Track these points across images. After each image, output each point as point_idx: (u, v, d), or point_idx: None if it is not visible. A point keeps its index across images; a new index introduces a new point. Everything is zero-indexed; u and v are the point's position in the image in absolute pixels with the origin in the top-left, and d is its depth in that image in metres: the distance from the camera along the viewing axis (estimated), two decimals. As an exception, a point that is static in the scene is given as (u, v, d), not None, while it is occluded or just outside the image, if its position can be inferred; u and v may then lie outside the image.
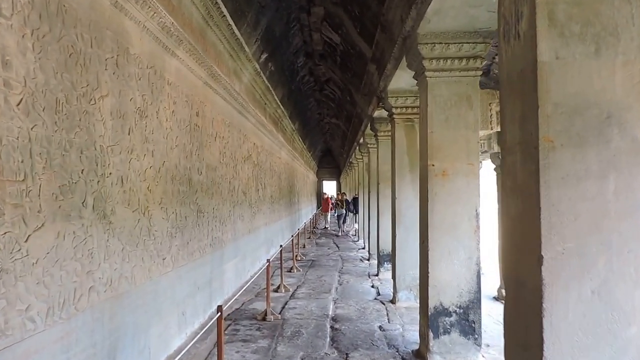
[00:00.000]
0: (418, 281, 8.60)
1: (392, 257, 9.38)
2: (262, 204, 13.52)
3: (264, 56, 12.05)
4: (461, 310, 5.88)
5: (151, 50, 5.88)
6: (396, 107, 8.75)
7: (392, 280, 9.66)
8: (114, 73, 4.94)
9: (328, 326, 7.50)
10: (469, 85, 5.91)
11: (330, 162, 45.84)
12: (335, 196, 26.98)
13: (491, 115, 6.37)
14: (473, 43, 5.70)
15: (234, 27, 8.91)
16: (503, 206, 3.28)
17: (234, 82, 9.85)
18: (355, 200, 24.51)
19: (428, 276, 5.91)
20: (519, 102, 2.92)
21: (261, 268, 8.13)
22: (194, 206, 7.37)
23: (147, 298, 5.62)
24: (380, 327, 7.45)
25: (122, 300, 5.01)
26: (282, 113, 16.23)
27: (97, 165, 4.56)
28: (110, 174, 4.80)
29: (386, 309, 8.52)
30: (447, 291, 5.89)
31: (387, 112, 9.27)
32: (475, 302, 5.89)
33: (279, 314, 8.17)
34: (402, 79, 8.03)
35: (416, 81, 6.49)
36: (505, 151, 3.14)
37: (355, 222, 25.80)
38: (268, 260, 8.15)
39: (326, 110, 24.19)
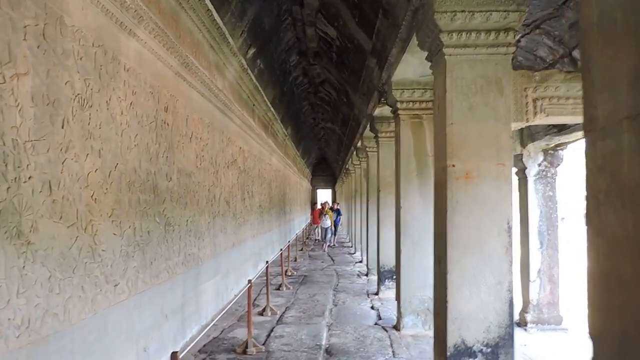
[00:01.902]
0: (427, 305, 7.46)
1: (396, 276, 8.15)
2: (249, 215, 12.27)
3: (251, 51, 10.86)
4: (489, 350, 4.65)
5: (99, 24, 4.68)
6: (401, 102, 7.55)
7: (395, 301, 8.45)
8: (38, 46, 3.75)
9: (321, 362, 6.29)
10: (498, 65, 4.71)
11: (325, 170, 44.63)
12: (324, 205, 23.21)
13: (527, 103, 5.14)
14: (504, 12, 4.50)
15: (215, 14, 7.73)
16: (592, 220, 2.08)
17: (216, 78, 8.66)
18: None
19: (447, 306, 4.69)
20: (631, 53, 1.72)
21: (242, 289, 6.87)
22: (160, 218, 6.15)
23: (90, 337, 4.37)
24: (384, 363, 6.24)
25: (48, 345, 3.77)
26: (272, 116, 15.04)
27: (6, 166, 3.35)
28: (29, 177, 3.59)
29: (390, 338, 7.27)
30: (471, 325, 4.67)
31: (391, 108, 8.07)
32: (507, 339, 4.67)
33: (263, 344, 6.92)
34: (409, 67, 6.85)
35: (430, 63, 5.31)
36: (596, 134, 1.94)
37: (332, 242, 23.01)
38: (249, 281, 6.90)
39: (321, 115, 22.97)
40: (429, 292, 7.50)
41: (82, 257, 4.25)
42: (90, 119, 4.45)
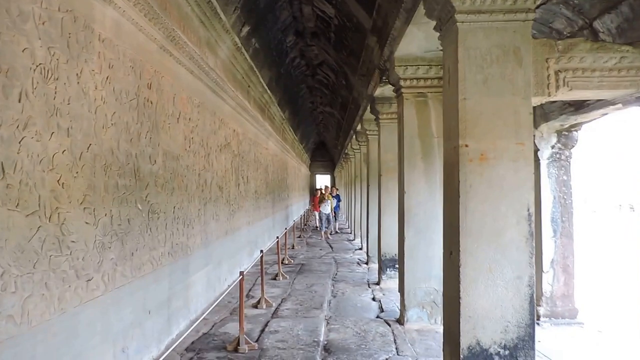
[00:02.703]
0: (432, 297, 6.98)
1: (399, 266, 7.62)
2: (244, 201, 11.73)
3: (245, 29, 10.27)
4: (507, 352, 4.14)
5: (66, -14, 4.12)
6: (405, 79, 6.99)
7: (398, 293, 7.95)
8: (-15, 4, 3.20)
9: (319, 360, 5.79)
10: (517, 33, 4.15)
11: (324, 155, 44.09)
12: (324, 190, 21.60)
13: (549, 75, 4.58)
14: (525, -29, 3.96)
15: (205, -14, 7.17)
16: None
17: (207, 55, 8.10)
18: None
19: (459, 303, 4.17)
20: None
21: (235, 280, 6.36)
22: (143, 205, 5.62)
23: (56, 341, 3.86)
24: (387, 362, 5.74)
25: (2, 352, 3.26)
26: (269, 99, 14.48)
27: (-57, 143, 2.82)
28: (-26, 158, 3.06)
29: (393, 333, 6.76)
30: (487, 325, 4.16)
31: (393, 87, 7.52)
32: (526, 341, 4.15)
33: (256, 341, 6.42)
34: (413, 41, 6.29)
35: (438, 34, 4.77)
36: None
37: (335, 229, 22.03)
38: (241, 274, 6.38)
39: (319, 99, 22.36)
40: (434, 284, 7.02)
41: (45, 249, 3.73)
42: (56, 93, 3.90)
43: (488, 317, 4.15)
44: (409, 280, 7.07)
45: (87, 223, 4.37)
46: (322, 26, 12.97)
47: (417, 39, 6.25)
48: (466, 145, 4.17)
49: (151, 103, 5.92)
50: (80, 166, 4.26)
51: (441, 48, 6.46)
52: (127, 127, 5.24)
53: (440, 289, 6.95)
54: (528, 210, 4.16)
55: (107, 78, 4.79)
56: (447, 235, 4.57)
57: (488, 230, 4.15)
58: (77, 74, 4.23)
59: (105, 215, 4.71)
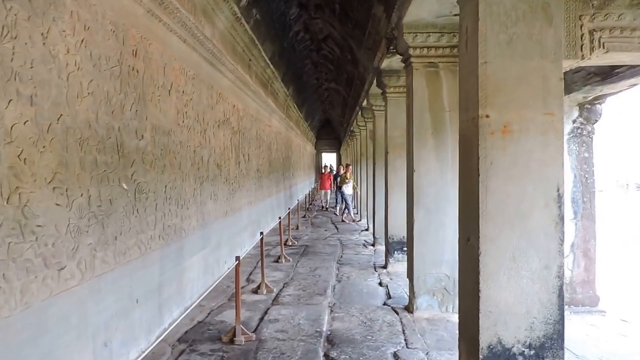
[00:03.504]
0: (443, 284, 6.49)
1: (407, 250, 7.10)
2: (245, 180, 11.21)
3: (245, -2, 9.68)
4: (532, 352, 3.64)
5: None
6: (414, 48, 6.42)
7: (405, 277, 7.47)
8: None
9: (321, 354, 5.30)
10: (547, -14, 3.61)
11: (330, 133, 43.44)
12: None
13: (582, 35, 3.99)
14: None
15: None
16: None
17: (203, 24, 7.53)
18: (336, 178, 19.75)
19: (478, 296, 3.66)
20: None
21: (234, 264, 5.87)
22: (129, 184, 5.12)
23: (18, 340, 3.38)
24: (395, 356, 5.25)
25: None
26: (272, 74, 13.89)
27: None
28: None
29: (401, 322, 6.27)
30: (510, 321, 3.65)
31: (402, 57, 6.95)
32: (555, 339, 3.65)
33: (255, 330, 5.96)
34: (424, 4, 5.72)
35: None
36: None
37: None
38: (237, 259, 5.89)
39: (324, 75, 21.68)
40: (445, 269, 6.52)
41: (2, 235, 3.23)
42: (13, 54, 3.38)
43: (511, 312, 3.64)
44: (418, 266, 6.57)
45: (57, 205, 3.87)
46: (326, -3, 12.36)
47: (428, 2, 5.69)
48: (487, 116, 3.62)
49: (137, 72, 5.39)
50: (49, 140, 3.75)
51: (454, 12, 5.98)
52: (108, 97, 4.72)
53: (452, 275, 6.49)
54: (558, 190, 3.63)
55: (82, 41, 4.26)
56: (463, 219, 4.05)
57: (512, 213, 3.62)
58: (42, 34, 3.70)
59: (82, 195, 4.21)
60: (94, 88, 4.45)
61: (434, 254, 6.51)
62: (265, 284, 7.78)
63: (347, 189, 18.40)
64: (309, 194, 26.09)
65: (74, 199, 4.10)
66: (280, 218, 10.69)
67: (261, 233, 7.92)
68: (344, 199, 18.59)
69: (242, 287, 7.66)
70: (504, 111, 3.61)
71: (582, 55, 3.98)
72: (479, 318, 3.65)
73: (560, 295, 3.66)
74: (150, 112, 5.71)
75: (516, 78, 3.61)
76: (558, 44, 3.64)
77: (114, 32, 4.87)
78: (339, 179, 19.82)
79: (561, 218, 3.64)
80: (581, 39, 3.99)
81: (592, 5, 3.97)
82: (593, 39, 3.99)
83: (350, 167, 19.27)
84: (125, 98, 5.07)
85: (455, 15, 6.01)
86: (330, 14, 13.36)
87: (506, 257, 3.63)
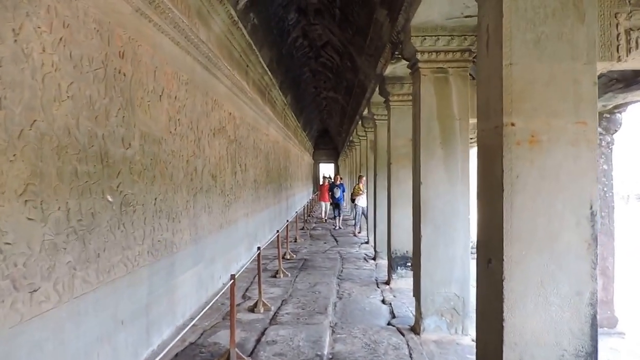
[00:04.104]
0: (452, 304, 6.08)
1: (414, 268, 6.68)
2: (242, 191, 10.78)
3: (242, 1, 9.29)
4: (563, 389, 3.25)
5: None
6: (422, 52, 6.05)
7: (410, 294, 7.06)
8: None
9: (323, 381, 4.89)
10: (579, -19, 3.22)
11: (328, 143, 43.11)
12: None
13: (618, 35, 3.61)
14: None
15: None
16: None
17: (197, 27, 7.16)
18: (336, 189, 19.54)
19: (502, 325, 3.25)
20: None
21: (229, 281, 5.45)
22: (114, 196, 4.71)
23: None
24: (403, 385, 4.84)
25: None
26: (270, 81, 13.52)
27: None
28: None
29: (408, 345, 5.84)
30: (537, 353, 3.24)
31: (408, 62, 6.56)
32: (588, 375, 3.26)
33: (250, 354, 5.53)
34: (434, 5, 5.36)
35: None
36: None
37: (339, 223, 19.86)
38: (233, 277, 5.46)
39: (323, 83, 21.32)
40: (455, 289, 6.11)
41: (-40, 256, 2.83)
42: (-22, 51, 2.99)
43: (538, 343, 3.24)
44: (426, 284, 6.15)
45: (30, 219, 3.46)
46: (326, 1, 12.00)
47: (438, 3, 5.32)
48: (512, 124, 3.23)
49: (124, 75, 4.99)
50: (20, 147, 3.35)
51: (466, 14, 5.60)
52: (91, 101, 4.32)
53: (462, 294, 6.09)
54: (591, 207, 3.24)
55: (60, 39, 3.86)
56: (483, 238, 3.64)
57: (540, 233, 3.22)
58: (13, 30, 3.31)
59: (59, 209, 3.81)
60: (74, 91, 4.05)
61: (443, 272, 6.10)
62: (263, 302, 7.35)
63: (360, 202, 17.65)
64: (307, 205, 25.62)
65: (50, 213, 3.69)
66: (278, 231, 10.25)
67: (258, 248, 7.50)
68: (356, 212, 18.01)
69: (238, 305, 7.22)
70: (531, 119, 3.22)
71: (618, 57, 3.60)
72: (502, 351, 3.24)
73: (594, 325, 3.28)
74: (138, 119, 5.32)
75: (545, 82, 3.22)
76: (591, 44, 3.25)
77: (97, 31, 4.48)
78: (335, 189, 19.56)
79: (594, 239, 3.26)
80: (617, 38, 3.61)
81: (629, 2, 3.58)
82: (630, 39, 3.61)
83: (364, 178, 17.95)
84: (110, 103, 4.67)
85: (467, 17, 5.66)
86: (330, 19, 13.03)
87: (534, 282, 3.22)
